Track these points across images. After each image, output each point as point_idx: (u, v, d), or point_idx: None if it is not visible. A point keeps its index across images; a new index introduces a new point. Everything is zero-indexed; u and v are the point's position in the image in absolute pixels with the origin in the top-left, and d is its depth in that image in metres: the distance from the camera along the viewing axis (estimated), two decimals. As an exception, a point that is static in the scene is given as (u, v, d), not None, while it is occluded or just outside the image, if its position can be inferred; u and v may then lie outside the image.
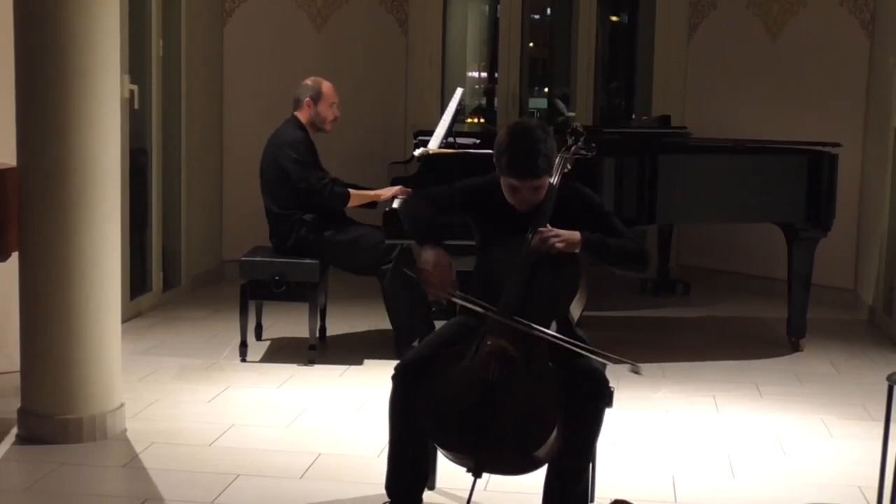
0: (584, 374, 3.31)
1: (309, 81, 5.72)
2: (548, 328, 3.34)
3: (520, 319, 3.30)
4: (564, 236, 3.42)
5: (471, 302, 3.37)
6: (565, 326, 3.44)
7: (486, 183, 3.60)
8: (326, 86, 5.69)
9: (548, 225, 3.45)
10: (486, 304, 3.34)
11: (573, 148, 3.72)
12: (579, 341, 3.35)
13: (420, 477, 3.56)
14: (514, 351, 3.27)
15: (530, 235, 3.42)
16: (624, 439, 4.43)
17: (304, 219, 5.52)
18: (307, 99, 5.64)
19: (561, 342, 3.30)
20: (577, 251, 3.43)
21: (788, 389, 5.26)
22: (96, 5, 4.11)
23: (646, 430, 4.60)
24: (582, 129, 3.79)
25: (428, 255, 3.47)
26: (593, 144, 3.82)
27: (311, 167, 5.54)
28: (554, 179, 3.53)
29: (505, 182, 3.48)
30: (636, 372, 3.34)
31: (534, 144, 3.41)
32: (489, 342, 3.29)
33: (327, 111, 5.67)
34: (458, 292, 3.41)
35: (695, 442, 4.48)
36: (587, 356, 3.33)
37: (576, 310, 3.50)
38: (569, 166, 3.65)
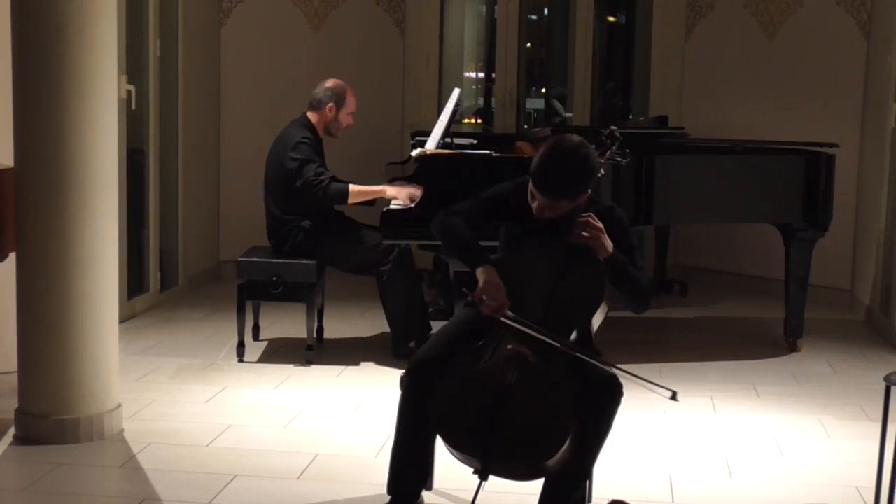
0: (599, 381, 3.28)
1: (330, 83, 5.62)
2: (569, 338, 3.31)
3: (548, 333, 3.23)
4: (604, 236, 3.33)
5: (520, 323, 3.27)
6: (585, 337, 3.41)
7: (517, 186, 3.52)
8: (350, 93, 5.63)
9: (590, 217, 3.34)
10: (534, 326, 3.25)
11: (608, 153, 3.65)
12: (594, 353, 3.32)
13: (423, 477, 3.56)
14: (533, 358, 3.23)
15: (563, 233, 3.33)
16: (621, 440, 4.42)
17: (301, 225, 5.50)
18: (331, 104, 5.57)
19: (596, 362, 3.27)
20: (602, 257, 3.33)
21: (786, 390, 5.26)
22: (93, 6, 4.11)
23: (643, 430, 4.60)
24: (619, 134, 3.67)
25: (483, 279, 3.36)
26: (627, 150, 3.71)
27: (311, 164, 5.44)
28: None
29: (530, 186, 3.41)
30: (674, 399, 3.28)
31: (561, 167, 3.32)
32: (509, 346, 3.24)
33: (346, 118, 5.63)
34: (510, 313, 3.31)
35: (692, 442, 4.48)
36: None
37: (597, 321, 3.46)
38: (602, 171, 3.53)
